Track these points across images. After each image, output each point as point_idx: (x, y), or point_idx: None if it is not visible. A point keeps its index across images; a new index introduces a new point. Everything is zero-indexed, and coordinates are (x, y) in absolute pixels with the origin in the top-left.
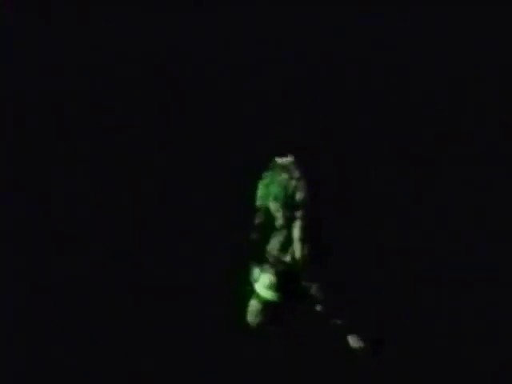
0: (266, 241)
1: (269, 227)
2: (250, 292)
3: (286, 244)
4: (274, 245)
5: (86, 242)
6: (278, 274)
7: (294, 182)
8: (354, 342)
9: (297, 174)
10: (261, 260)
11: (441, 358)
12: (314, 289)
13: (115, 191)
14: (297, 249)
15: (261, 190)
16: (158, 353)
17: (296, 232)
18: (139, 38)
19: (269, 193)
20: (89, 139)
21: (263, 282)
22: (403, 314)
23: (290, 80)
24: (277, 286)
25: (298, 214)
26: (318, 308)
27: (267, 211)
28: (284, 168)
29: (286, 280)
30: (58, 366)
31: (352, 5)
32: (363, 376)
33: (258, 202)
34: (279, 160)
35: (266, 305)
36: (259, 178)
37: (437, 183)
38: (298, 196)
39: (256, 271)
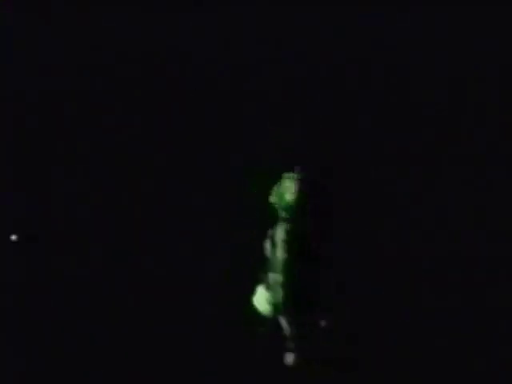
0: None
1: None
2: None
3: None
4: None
5: (86, 242)
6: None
7: (289, 184)
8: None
9: (297, 176)
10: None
11: (441, 358)
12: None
13: (115, 191)
14: (278, 251)
15: (277, 190)
16: (158, 353)
17: (280, 232)
18: (139, 38)
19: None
20: (89, 139)
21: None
22: (403, 314)
23: (290, 80)
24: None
25: (285, 214)
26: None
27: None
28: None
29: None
30: (58, 365)
31: (352, 5)
32: (363, 376)
33: (273, 200)
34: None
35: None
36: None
37: (437, 183)
38: (288, 196)
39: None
